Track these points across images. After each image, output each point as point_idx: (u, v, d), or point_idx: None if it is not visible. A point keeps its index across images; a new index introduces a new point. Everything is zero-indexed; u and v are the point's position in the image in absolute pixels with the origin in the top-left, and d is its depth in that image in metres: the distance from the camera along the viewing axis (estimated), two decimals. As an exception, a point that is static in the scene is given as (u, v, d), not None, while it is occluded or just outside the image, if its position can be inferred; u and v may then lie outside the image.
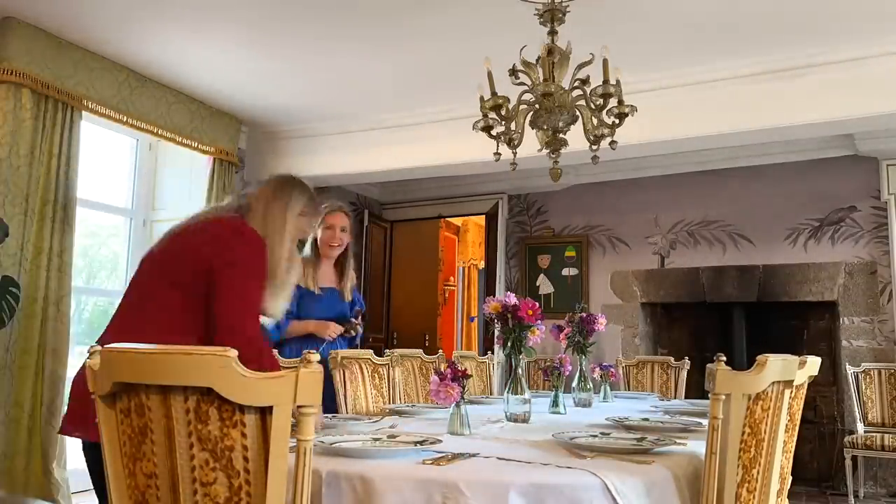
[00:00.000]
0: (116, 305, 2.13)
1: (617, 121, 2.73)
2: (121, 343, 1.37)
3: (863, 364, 5.11)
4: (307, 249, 2.85)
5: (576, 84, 2.75)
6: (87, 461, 1.95)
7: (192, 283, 2.02)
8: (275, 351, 2.55)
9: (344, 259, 3.42)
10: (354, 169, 5.38)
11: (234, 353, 1.21)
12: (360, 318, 3.40)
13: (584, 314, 3.41)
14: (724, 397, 1.57)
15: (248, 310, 2.02)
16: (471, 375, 2.32)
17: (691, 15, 3.62)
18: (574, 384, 3.35)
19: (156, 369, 1.26)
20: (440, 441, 1.83)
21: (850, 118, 4.03)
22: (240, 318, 1.99)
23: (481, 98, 2.75)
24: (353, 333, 3.41)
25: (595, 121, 2.74)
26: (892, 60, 3.88)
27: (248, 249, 2.06)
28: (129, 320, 2.04)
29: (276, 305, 2.19)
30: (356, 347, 3.43)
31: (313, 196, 2.33)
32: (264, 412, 1.23)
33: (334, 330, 3.29)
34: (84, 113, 4.18)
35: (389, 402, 3.26)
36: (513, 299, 2.44)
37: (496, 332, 2.51)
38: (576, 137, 2.88)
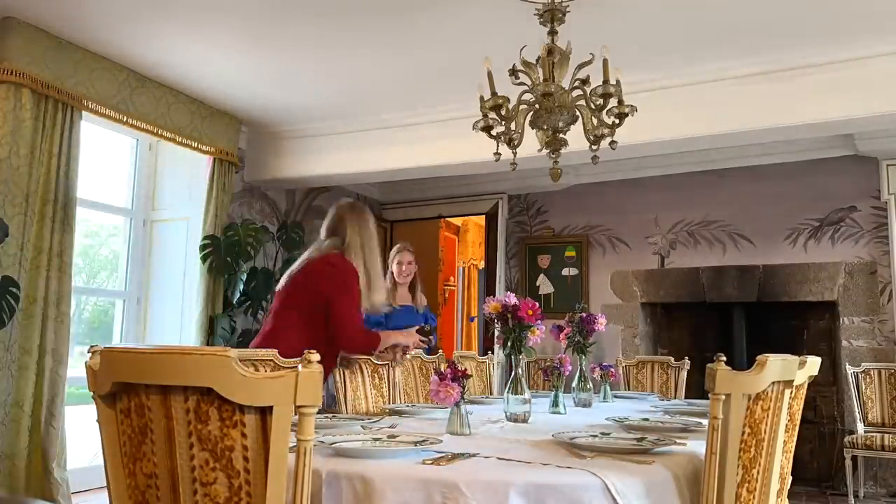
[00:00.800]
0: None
1: (617, 121, 2.73)
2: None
3: (863, 364, 5.11)
4: (388, 281, 4.01)
5: (576, 84, 2.75)
6: None
7: (309, 308, 2.88)
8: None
9: (413, 284, 4.66)
10: (354, 169, 5.38)
11: (234, 352, 1.21)
12: (428, 333, 4.22)
13: (584, 314, 3.41)
14: (724, 397, 1.57)
15: (354, 317, 2.90)
16: (471, 375, 2.32)
17: (691, 15, 3.62)
18: (574, 384, 3.35)
19: (156, 369, 1.26)
20: (440, 441, 1.84)
21: (850, 118, 4.02)
22: (351, 325, 2.87)
23: (481, 98, 2.75)
24: (427, 346, 4.19)
25: (595, 121, 2.74)
26: (892, 60, 3.88)
27: (346, 279, 2.90)
28: (268, 336, 2.89)
29: (377, 300, 3.05)
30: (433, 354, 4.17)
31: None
32: (264, 412, 1.23)
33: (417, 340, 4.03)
34: (84, 113, 4.18)
35: (389, 402, 3.26)
36: (513, 299, 2.44)
37: (496, 332, 2.51)
38: (576, 137, 2.87)
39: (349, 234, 3.00)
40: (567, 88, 2.74)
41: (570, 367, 3.05)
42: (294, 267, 3.04)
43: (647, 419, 2.46)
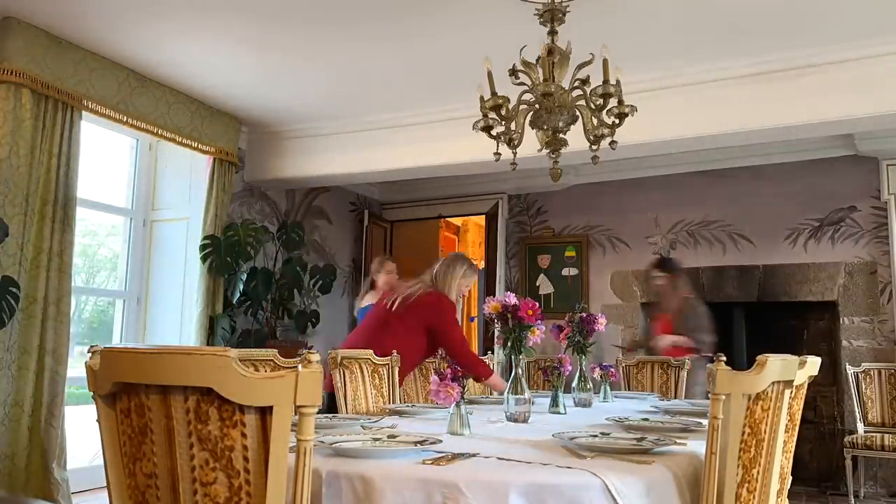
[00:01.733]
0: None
1: (617, 121, 2.73)
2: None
3: (863, 364, 5.11)
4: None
5: (576, 84, 2.75)
6: None
7: (415, 327, 3.55)
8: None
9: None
10: (354, 169, 5.38)
11: (234, 352, 1.21)
12: None
13: (584, 314, 3.41)
14: (724, 397, 1.57)
15: (463, 342, 3.66)
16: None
17: (691, 15, 3.62)
18: (574, 384, 3.34)
19: (156, 369, 1.26)
20: (440, 441, 1.83)
21: (850, 118, 4.02)
22: (462, 348, 3.60)
23: (481, 98, 2.75)
24: None
25: (595, 121, 2.74)
26: (892, 60, 3.88)
27: (447, 310, 3.59)
28: (372, 339, 3.50)
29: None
30: None
31: (471, 264, 3.80)
32: (264, 412, 1.23)
33: None
34: (84, 113, 4.18)
35: (389, 402, 3.26)
36: (513, 299, 2.44)
37: (496, 332, 2.51)
38: (576, 137, 2.87)
39: (438, 274, 3.77)
40: (567, 88, 2.74)
41: (570, 367, 3.05)
42: (405, 292, 3.72)
43: (647, 419, 2.45)
